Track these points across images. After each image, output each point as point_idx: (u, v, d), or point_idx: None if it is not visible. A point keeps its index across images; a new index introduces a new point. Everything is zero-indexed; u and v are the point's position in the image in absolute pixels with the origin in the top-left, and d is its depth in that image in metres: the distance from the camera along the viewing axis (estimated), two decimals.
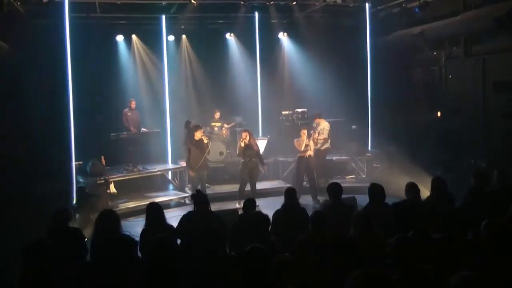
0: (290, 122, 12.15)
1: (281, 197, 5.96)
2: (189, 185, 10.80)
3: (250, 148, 9.68)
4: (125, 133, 10.87)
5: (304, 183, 10.15)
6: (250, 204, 5.77)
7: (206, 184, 10.39)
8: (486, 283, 2.46)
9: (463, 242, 3.83)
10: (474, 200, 5.52)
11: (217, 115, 12.34)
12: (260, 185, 10.78)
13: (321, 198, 8.92)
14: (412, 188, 5.60)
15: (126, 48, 12.59)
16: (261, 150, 11.70)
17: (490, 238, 3.61)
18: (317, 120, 10.91)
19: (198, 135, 9.86)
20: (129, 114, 11.27)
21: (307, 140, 9.86)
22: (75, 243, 4.52)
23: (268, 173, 11.99)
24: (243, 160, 9.79)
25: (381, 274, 2.37)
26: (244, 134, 9.77)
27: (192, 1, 10.38)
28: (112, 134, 10.54)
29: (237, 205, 8.96)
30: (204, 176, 10.15)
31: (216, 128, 12.19)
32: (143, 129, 11.38)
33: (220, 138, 12.08)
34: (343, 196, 5.97)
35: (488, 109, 9.55)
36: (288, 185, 9.39)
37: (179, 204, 10.34)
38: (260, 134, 12.81)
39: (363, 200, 5.98)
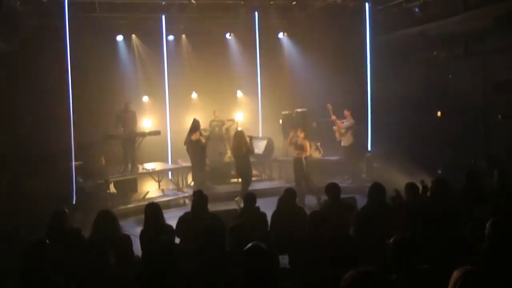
0: (290, 122, 12.14)
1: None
2: (191, 185, 10.79)
3: (237, 149, 9.79)
4: (121, 133, 10.78)
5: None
6: (249, 199, 5.76)
7: (208, 184, 10.42)
8: (488, 278, 2.46)
9: (460, 241, 3.82)
10: (467, 199, 5.54)
11: (217, 114, 12.34)
12: (260, 185, 10.80)
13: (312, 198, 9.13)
14: (411, 188, 5.60)
15: (126, 48, 12.59)
16: (261, 150, 11.76)
17: (495, 236, 3.58)
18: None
19: (196, 135, 9.97)
20: (123, 115, 10.99)
21: (304, 140, 9.82)
22: (74, 243, 4.51)
23: (269, 173, 12.03)
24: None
25: (377, 273, 2.36)
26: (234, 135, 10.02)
27: (192, 0, 10.37)
28: (106, 134, 10.51)
29: (236, 198, 9.33)
30: (203, 176, 10.21)
31: (216, 128, 12.18)
32: (142, 129, 11.33)
33: (220, 137, 12.07)
34: (343, 196, 5.96)
35: (488, 109, 9.55)
36: (288, 185, 9.40)
37: (179, 204, 10.34)
38: (260, 134, 12.82)
39: (363, 200, 5.97)
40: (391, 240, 3.38)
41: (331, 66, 11.95)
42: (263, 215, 5.65)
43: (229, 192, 10.43)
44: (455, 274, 2.43)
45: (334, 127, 11.01)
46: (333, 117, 10.94)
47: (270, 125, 12.86)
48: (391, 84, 11.83)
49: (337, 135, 11.00)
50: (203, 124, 11.86)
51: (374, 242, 4.12)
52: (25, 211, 7.55)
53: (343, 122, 10.97)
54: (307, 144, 9.83)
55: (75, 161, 9.65)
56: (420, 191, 5.77)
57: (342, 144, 10.99)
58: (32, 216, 6.98)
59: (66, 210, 5.07)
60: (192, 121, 10.83)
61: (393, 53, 11.82)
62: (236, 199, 9.33)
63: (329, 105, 11.04)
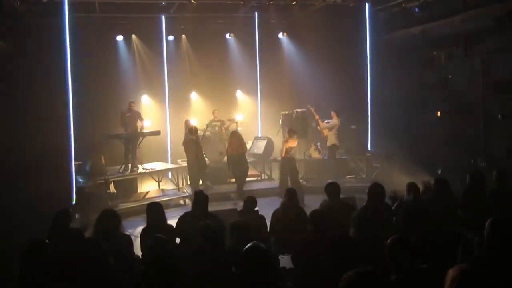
0: (290, 122, 12.13)
1: (281, 197, 5.96)
2: (190, 185, 10.79)
3: (240, 147, 9.87)
4: (124, 133, 10.80)
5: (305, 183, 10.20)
6: (250, 202, 5.77)
7: (208, 184, 10.43)
8: (486, 277, 2.46)
9: (460, 241, 3.82)
10: (470, 200, 5.53)
11: (217, 114, 12.33)
12: (260, 185, 10.81)
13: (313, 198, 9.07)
14: (412, 188, 5.60)
15: (126, 48, 12.59)
16: (261, 150, 11.78)
17: (494, 236, 3.58)
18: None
19: (192, 136, 10.06)
20: (127, 115, 11.07)
21: (286, 142, 9.89)
22: (74, 243, 4.51)
23: (269, 173, 12.03)
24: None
25: (376, 274, 2.37)
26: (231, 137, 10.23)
27: (192, 0, 10.37)
28: (108, 134, 10.52)
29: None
30: (201, 175, 10.27)
31: (216, 128, 12.18)
32: (143, 129, 11.34)
33: (220, 138, 12.06)
34: (343, 196, 5.96)
35: (488, 109, 9.54)
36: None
37: (179, 204, 10.34)
38: (260, 134, 12.82)
39: (363, 200, 5.97)
40: (388, 240, 3.38)
41: (331, 66, 11.95)
42: (262, 217, 5.66)
43: (229, 192, 10.46)
44: (451, 273, 2.43)
45: (318, 127, 11.04)
46: (317, 117, 11.01)
47: (270, 125, 12.86)
48: (391, 84, 11.83)
49: (322, 135, 11.07)
50: (202, 124, 11.89)
51: (374, 242, 4.12)
52: (25, 211, 7.55)
53: (328, 122, 10.98)
54: (286, 145, 9.84)
55: (75, 161, 9.66)
56: (422, 191, 5.77)
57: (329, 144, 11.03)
58: (32, 216, 6.98)
59: (71, 210, 5.08)
60: (187, 123, 10.87)
61: (393, 53, 11.82)
62: (235, 197, 9.40)
63: (309, 106, 11.09)
